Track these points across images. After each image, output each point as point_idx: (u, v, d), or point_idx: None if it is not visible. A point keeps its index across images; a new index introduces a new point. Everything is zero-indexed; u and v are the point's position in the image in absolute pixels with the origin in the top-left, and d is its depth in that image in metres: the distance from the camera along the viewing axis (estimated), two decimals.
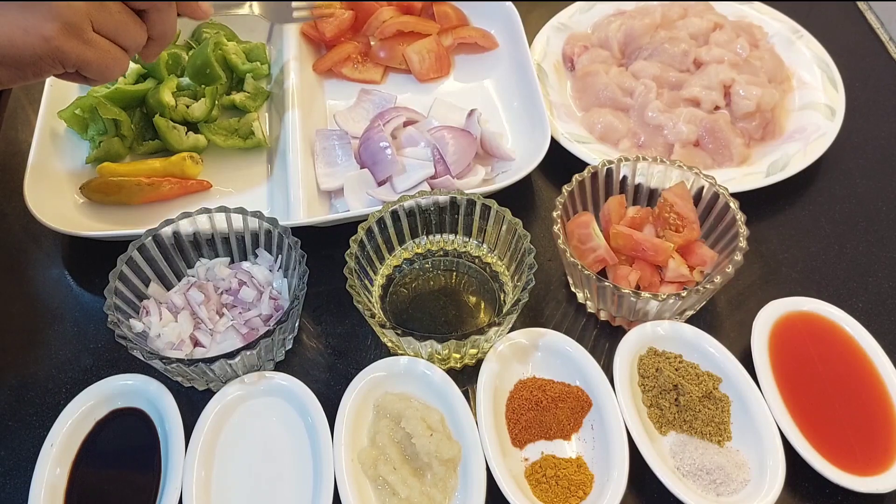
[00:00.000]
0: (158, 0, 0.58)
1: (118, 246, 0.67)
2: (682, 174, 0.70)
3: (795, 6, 0.97)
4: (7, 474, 0.62)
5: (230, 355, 0.59)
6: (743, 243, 0.64)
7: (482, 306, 0.71)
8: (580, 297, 0.71)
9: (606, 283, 0.63)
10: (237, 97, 0.84)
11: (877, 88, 0.92)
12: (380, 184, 0.76)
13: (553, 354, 0.65)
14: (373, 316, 0.61)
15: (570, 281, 0.72)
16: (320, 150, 0.80)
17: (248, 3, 0.70)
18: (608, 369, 0.63)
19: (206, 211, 0.67)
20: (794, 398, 0.61)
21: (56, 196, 0.76)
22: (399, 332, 0.60)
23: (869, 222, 0.78)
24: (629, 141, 0.83)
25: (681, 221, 0.68)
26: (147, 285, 0.67)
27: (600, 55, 0.90)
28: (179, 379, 0.64)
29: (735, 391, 0.62)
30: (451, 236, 0.72)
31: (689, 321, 0.68)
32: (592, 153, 0.79)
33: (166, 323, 0.64)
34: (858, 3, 1.02)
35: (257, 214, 0.67)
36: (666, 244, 0.67)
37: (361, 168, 0.77)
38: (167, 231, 0.66)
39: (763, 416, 0.60)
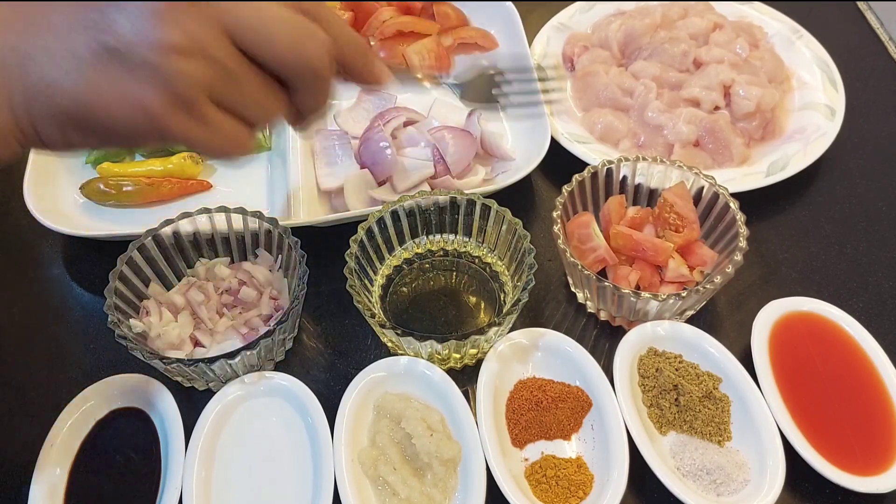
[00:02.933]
0: (312, 74, 0.44)
1: (118, 246, 0.67)
2: (682, 174, 0.70)
3: (795, 6, 0.97)
4: (7, 474, 0.61)
5: (230, 355, 0.59)
6: (743, 243, 0.64)
7: (482, 306, 0.71)
8: (580, 297, 0.71)
9: (606, 284, 0.63)
10: None
11: (877, 88, 0.92)
12: (380, 184, 0.76)
13: (553, 354, 0.65)
14: (373, 316, 0.61)
15: (570, 281, 0.72)
16: (320, 150, 0.80)
17: (434, 81, 0.61)
18: (608, 369, 0.63)
19: (206, 211, 0.67)
20: (794, 398, 0.61)
21: (56, 196, 0.76)
22: (399, 332, 0.60)
23: (869, 222, 0.78)
24: (629, 141, 0.83)
25: (681, 221, 0.68)
26: (147, 285, 0.67)
27: (600, 55, 0.90)
28: (179, 379, 0.64)
29: (735, 391, 0.62)
30: (451, 236, 0.72)
31: (690, 321, 0.68)
32: (592, 153, 0.79)
33: (166, 323, 0.64)
34: (858, 4, 1.02)
35: (257, 214, 0.67)
36: (666, 244, 0.67)
37: (361, 168, 0.77)
38: (167, 231, 0.66)
39: (763, 416, 0.60)
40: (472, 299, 0.71)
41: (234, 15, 0.40)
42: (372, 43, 0.91)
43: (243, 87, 0.42)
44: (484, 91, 0.62)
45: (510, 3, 0.91)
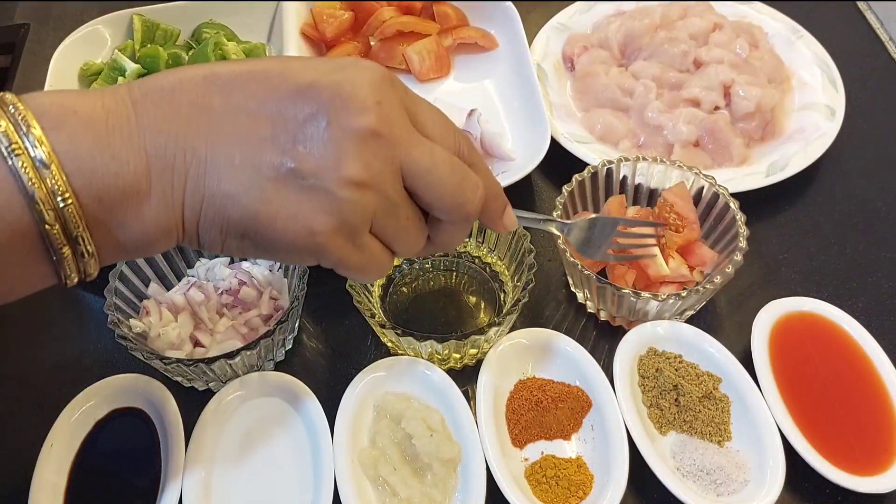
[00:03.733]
0: (462, 218, 0.46)
1: None
2: (682, 174, 0.70)
3: (795, 6, 0.97)
4: (7, 475, 0.62)
5: (230, 355, 0.59)
6: (743, 243, 0.64)
7: (482, 306, 0.71)
8: (580, 297, 0.71)
9: (606, 283, 0.63)
10: None
11: (877, 89, 0.92)
12: None
13: (553, 354, 0.65)
14: (373, 316, 0.61)
15: (570, 281, 0.72)
16: None
17: (558, 223, 0.61)
18: (608, 369, 0.63)
19: None
20: (794, 398, 0.61)
21: None
22: (399, 332, 0.60)
23: (869, 222, 0.78)
24: (629, 141, 0.83)
25: (681, 221, 0.68)
26: (147, 285, 0.67)
27: (600, 55, 0.90)
28: (179, 379, 0.64)
29: (735, 391, 0.62)
30: None
31: (689, 321, 0.68)
32: (592, 153, 0.79)
33: (166, 323, 0.64)
34: (858, 4, 1.02)
35: None
36: (658, 262, 0.66)
37: None
38: None
39: (763, 417, 0.60)
40: (472, 299, 0.71)
41: (410, 156, 0.42)
42: (372, 43, 0.92)
43: (400, 222, 0.44)
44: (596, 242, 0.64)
45: (510, 3, 0.91)
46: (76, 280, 0.40)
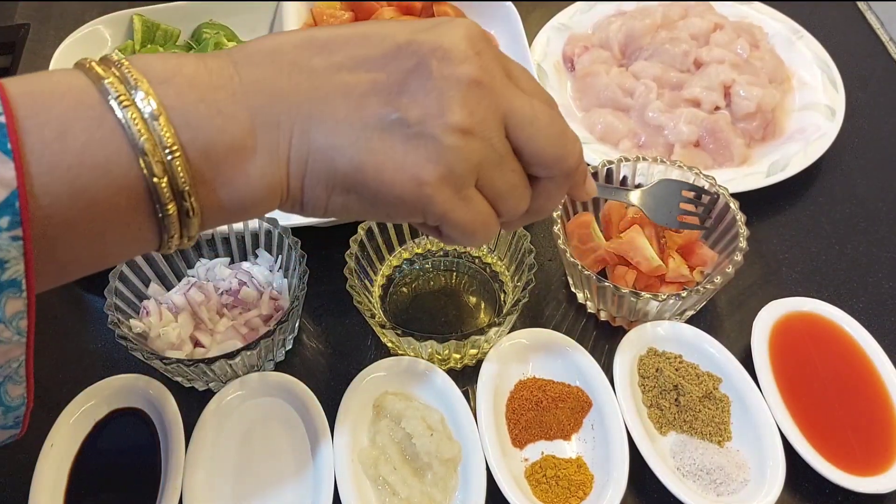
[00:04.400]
0: (563, 172, 0.45)
1: None
2: (682, 174, 0.70)
3: (796, 7, 0.97)
4: (7, 475, 0.62)
5: (230, 355, 0.59)
6: (743, 243, 0.64)
7: (482, 306, 0.71)
8: (580, 297, 0.71)
9: (606, 284, 0.63)
10: None
11: (877, 89, 0.92)
12: None
13: (553, 355, 0.65)
14: (373, 316, 0.61)
15: (571, 281, 0.72)
16: None
17: (631, 192, 0.62)
18: (608, 369, 0.63)
19: None
20: (795, 398, 0.61)
21: None
22: (399, 332, 0.60)
23: (869, 222, 0.78)
24: (630, 141, 0.83)
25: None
26: (147, 285, 0.67)
27: (601, 56, 0.90)
28: (179, 379, 0.64)
29: (735, 391, 0.62)
30: None
31: (690, 321, 0.68)
32: (593, 153, 0.79)
33: (166, 323, 0.64)
34: (858, 4, 1.02)
35: None
36: (655, 260, 0.66)
37: None
38: None
39: (763, 417, 0.60)
40: (473, 299, 0.71)
41: (512, 106, 0.42)
42: None
43: (506, 175, 0.43)
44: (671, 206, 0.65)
45: (510, 3, 0.91)
46: (176, 244, 0.39)
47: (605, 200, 0.72)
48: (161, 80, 0.37)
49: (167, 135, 0.36)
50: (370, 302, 0.64)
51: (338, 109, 0.40)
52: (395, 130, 0.40)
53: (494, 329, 0.61)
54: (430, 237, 0.71)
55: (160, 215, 0.37)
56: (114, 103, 0.35)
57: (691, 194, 0.67)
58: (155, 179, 0.36)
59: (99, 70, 0.36)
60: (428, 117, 0.40)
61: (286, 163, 0.40)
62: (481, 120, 0.41)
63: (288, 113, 0.39)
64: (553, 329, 0.66)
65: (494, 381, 0.63)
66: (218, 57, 0.40)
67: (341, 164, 0.40)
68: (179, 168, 0.36)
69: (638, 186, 0.72)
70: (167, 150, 0.36)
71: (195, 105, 0.37)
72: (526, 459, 0.61)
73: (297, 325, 0.68)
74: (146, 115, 0.35)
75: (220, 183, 0.38)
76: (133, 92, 0.36)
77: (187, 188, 0.37)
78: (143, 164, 0.35)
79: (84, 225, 0.36)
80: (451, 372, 0.65)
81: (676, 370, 0.63)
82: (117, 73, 0.36)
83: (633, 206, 0.63)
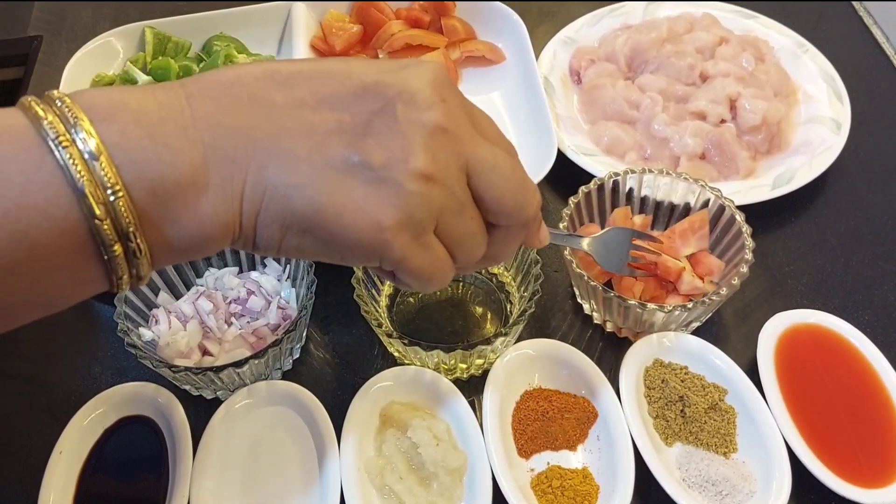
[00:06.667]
0: (520, 222, 0.45)
1: None
2: (688, 186, 0.70)
3: (801, 21, 0.98)
4: (16, 481, 0.62)
5: (238, 364, 0.60)
6: (749, 256, 0.64)
7: (489, 317, 0.71)
8: (586, 308, 0.71)
9: (612, 295, 0.63)
10: None
11: (882, 102, 0.92)
12: None
13: (559, 365, 0.65)
14: (380, 325, 0.62)
15: (577, 292, 0.72)
16: None
17: (583, 239, 0.62)
18: (614, 380, 0.63)
19: None
20: (800, 410, 0.61)
21: None
22: (406, 341, 0.61)
23: (875, 235, 0.78)
24: (635, 153, 0.83)
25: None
26: (157, 294, 0.68)
27: (607, 69, 0.90)
28: (188, 387, 0.65)
29: (741, 403, 0.62)
30: None
31: (695, 333, 0.68)
32: (599, 165, 0.80)
33: (175, 331, 0.65)
34: (864, 18, 1.02)
35: None
36: (677, 264, 0.67)
37: None
38: None
39: (769, 428, 0.60)
40: (479, 310, 0.72)
41: (475, 153, 0.42)
42: (381, 56, 0.92)
43: (465, 223, 0.43)
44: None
45: (517, 17, 0.92)
46: (127, 284, 0.38)
47: (611, 211, 0.72)
48: (103, 118, 0.36)
49: (109, 174, 0.35)
50: (377, 311, 0.65)
51: (299, 147, 0.39)
52: (357, 173, 0.39)
53: (501, 339, 0.61)
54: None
55: (106, 257, 0.36)
56: (52, 144, 0.34)
57: (642, 242, 0.66)
58: (97, 222, 0.35)
59: (38, 109, 0.35)
60: (392, 161, 0.39)
61: (239, 200, 0.38)
62: (444, 167, 0.40)
63: (244, 148, 0.38)
64: (559, 340, 0.66)
65: (500, 392, 0.63)
66: (169, 89, 0.39)
67: (299, 203, 0.39)
68: (123, 208, 0.35)
69: (644, 199, 0.73)
70: (109, 191, 0.35)
71: (140, 141, 0.36)
72: (532, 470, 0.61)
73: (304, 334, 0.69)
74: (86, 156, 0.34)
75: (169, 221, 0.37)
76: (73, 131, 0.35)
77: (132, 229, 0.36)
78: (84, 206, 0.34)
79: (26, 268, 0.35)
80: (457, 382, 0.65)
81: (682, 381, 0.63)
82: (58, 112, 0.35)
83: (585, 252, 0.63)
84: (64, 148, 0.34)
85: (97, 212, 0.35)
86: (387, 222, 0.39)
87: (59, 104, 0.35)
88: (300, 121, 0.39)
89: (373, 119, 0.40)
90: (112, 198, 0.35)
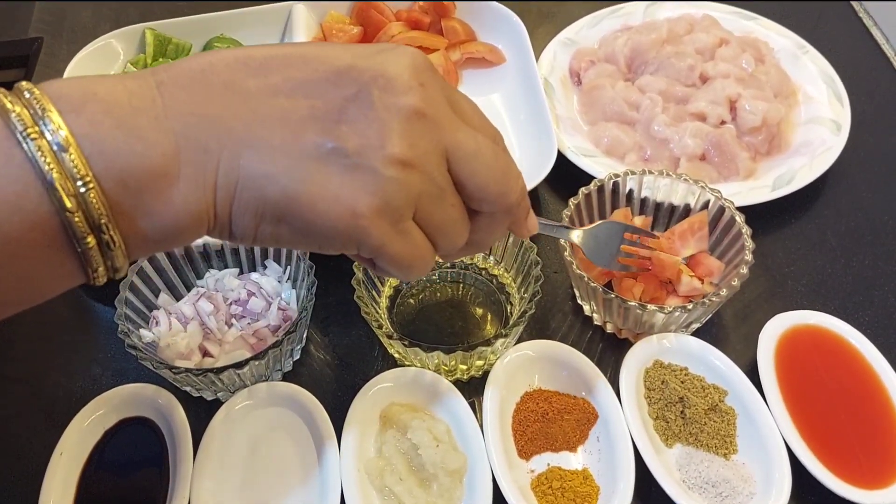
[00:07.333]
0: (504, 208, 0.45)
1: None
2: (688, 187, 0.70)
3: (801, 22, 0.98)
4: (16, 483, 0.62)
5: (239, 365, 0.60)
6: (749, 257, 0.64)
7: (489, 318, 0.71)
8: (586, 309, 0.71)
9: (612, 296, 0.63)
10: None
11: (882, 103, 0.92)
12: None
13: (559, 366, 0.65)
14: (380, 327, 0.62)
15: (577, 293, 0.72)
16: None
17: (573, 231, 0.62)
18: (614, 381, 0.63)
19: None
20: (800, 411, 0.61)
21: None
22: (406, 343, 0.61)
23: (875, 236, 0.78)
24: (635, 154, 0.83)
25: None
26: (157, 295, 0.68)
27: (607, 70, 0.91)
28: (188, 388, 0.65)
29: (741, 404, 0.62)
30: None
31: (695, 334, 0.68)
32: (599, 166, 0.80)
33: (176, 333, 0.65)
34: (864, 19, 1.03)
35: None
36: (673, 259, 0.67)
37: None
38: None
39: (769, 429, 0.60)
40: (479, 311, 0.72)
41: (455, 139, 0.41)
42: None
43: (445, 210, 0.42)
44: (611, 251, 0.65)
45: (518, 18, 0.92)
46: (104, 276, 0.38)
47: (612, 212, 0.72)
48: (72, 108, 0.35)
49: (78, 166, 0.34)
50: (377, 313, 0.65)
51: (273, 135, 0.38)
52: (332, 160, 0.38)
53: (501, 340, 0.61)
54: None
55: (79, 250, 0.36)
56: (20, 136, 0.34)
57: (634, 237, 0.66)
58: (67, 214, 0.34)
59: (6, 101, 0.35)
60: (367, 148, 0.38)
61: (213, 189, 0.38)
62: (423, 153, 0.40)
63: (217, 137, 0.38)
64: (559, 341, 0.66)
65: (500, 393, 0.63)
66: (140, 77, 0.38)
67: (273, 192, 0.38)
68: (94, 200, 0.35)
69: (644, 200, 0.73)
70: (80, 182, 0.34)
71: (110, 132, 0.35)
72: (532, 471, 0.61)
73: (304, 335, 0.69)
74: (55, 147, 0.34)
75: (142, 212, 0.37)
76: (41, 123, 0.34)
77: (104, 220, 0.35)
78: (54, 199, 0.34)
79: (0, 262, 0.35)
80: (457, 383, 0.65)
81: (682, 382, 0.63)
82: (26, 104, 0.35)
83: (575, 244, 0.63)
84: (32, 140, 0.34)
85: (68, 204, 0.34)
86: (362, 209, 0.39)
87: (28, 95, 0.35)
88: (274, 108, 0.39)
89: (347, 105, 0.39)
90: (83, 189, 0.34)
